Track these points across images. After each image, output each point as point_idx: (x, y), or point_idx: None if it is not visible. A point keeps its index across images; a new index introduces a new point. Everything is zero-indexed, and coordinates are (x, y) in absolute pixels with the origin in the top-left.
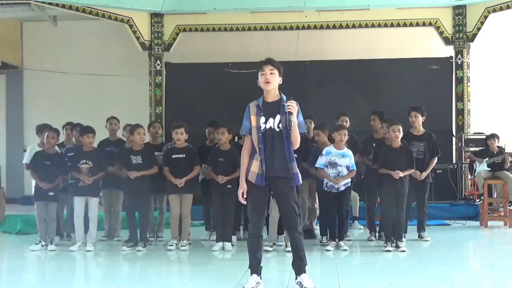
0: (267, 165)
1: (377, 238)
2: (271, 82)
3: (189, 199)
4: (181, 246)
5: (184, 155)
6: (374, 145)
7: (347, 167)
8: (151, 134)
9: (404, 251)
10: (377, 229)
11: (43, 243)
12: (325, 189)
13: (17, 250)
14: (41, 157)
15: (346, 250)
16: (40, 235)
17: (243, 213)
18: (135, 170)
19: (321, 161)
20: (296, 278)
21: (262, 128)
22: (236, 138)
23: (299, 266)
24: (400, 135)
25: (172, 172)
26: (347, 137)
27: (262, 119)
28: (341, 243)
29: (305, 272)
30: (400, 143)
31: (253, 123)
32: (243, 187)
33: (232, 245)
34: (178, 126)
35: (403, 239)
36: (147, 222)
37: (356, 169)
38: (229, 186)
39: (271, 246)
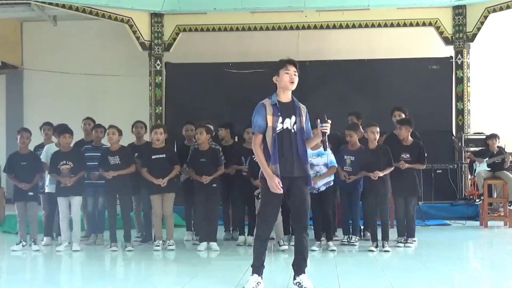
0: (284, 166)
1: (361, 238)
2: (295, 83)
3: (171, 198)
4: (168, 245)
5: (164, 155)
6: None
7: (326, 165)
8: (134, 134)
9: (388, 251)
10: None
11: (24, 243)
12: None
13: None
14: (16, 158)
15: (334, 250)
16: (21, 235)
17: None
18: (112, 170)
19: None
20: (295, 279)
21: (278, 129)
22: (236, 138)
23: (300, 267)
24: (377, 136)
25: (153, 172)
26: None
27: (279, 119)
28: (330, 243)
29: (304, 273)
30: (376, 143)
31: (269, 123)
32: (275, 179)
33: (238, 245)
34: (157, 126)
35: (415, 239)
36: (129, 221)
37: (336, 165)
38: (214, 185)
39: (285, 244)
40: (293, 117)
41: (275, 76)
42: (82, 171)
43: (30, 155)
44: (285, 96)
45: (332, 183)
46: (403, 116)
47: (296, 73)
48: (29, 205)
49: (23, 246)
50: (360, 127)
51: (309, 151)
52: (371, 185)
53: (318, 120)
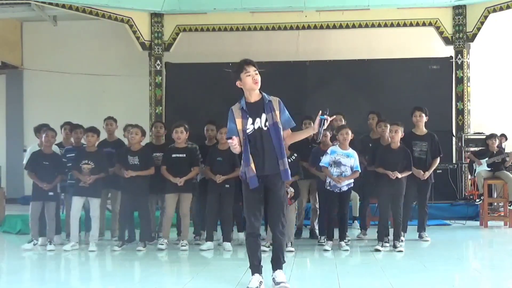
0: (258, 165)
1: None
2: (259, 82)
3: (188, 199)
4: (181, 246)
5: (184, 155)
6: (370, 145)
7: (351, 168)
8: (153, 134)
9: (402, 251)
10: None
11: (35, 241)
12: (328, 188)
13: (17, 250)
14: (39, 157)
15: (347, 250)
16: (33, 234)
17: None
18: (131, 170)
19: (325, 160)
20: (272, 274)
21: (250, 130)
22: None
23: (276, 262)
24: (399, 136)
25: (172, 171)
26: (352, 136)
27: (249, 120)
28: (342, 243)
29: (281, 269)
30: (399, 144)
31: (239, 126)
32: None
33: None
34: (178, 126)
35: (402, 239)
36: (148, 222)
37: (360, 171)
38: (227, 185)
39: (268, 246)
40: (263, 115)
41: (237, 81)
42: (103, 173)
43: (53, 155)
44: (253, 96)
45: (352, 185)
46: (424, 117)
47: (257, 71)
48: (48, 205)
49: (34, 244)
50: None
51: (339, 150)
52: (387, 185)
53: (320, 112)
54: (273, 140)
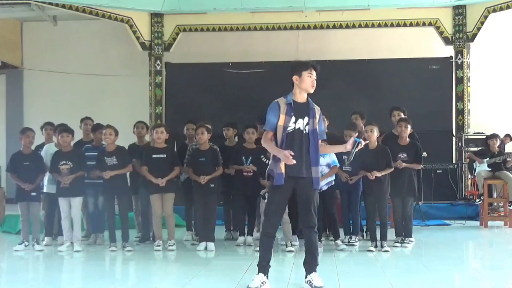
0: (293, 165)
1: (363, 238)
2: (314, 87)
3: (171, 198)
4: (169, 246)
5: (165, 155)
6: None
7: (328, 165)
8: (135, 134)
9: (388, 251)
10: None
11: (26, 243)
12: None
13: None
14: (19, 158)
15: (343, 250)
16: (23, 235)
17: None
18: (109, 170)
19: None
20: (306, 277)
21: (290, 128)
22: (235, 137)
23: (311, 265)
24: (374, 135)
25: (153, 171)
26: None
27: (293, 119)
28: (338, 242)
29: (315, 271)
30: (376, 143)
31: (281, 122)
32: (284, 151)
33: (248, 245)
34: (158, 126)
35: (412, 239)
36: (127, 221)
37: (338, 165)
38: (212, 185)
39: (292, 246)
40: (306, 118)
41: (295, 76)
42: (81, 171)
43: (33, 155)
44: (301, 97)
45: (333, 183)
46: (402, 115)
47: (315, 79)
48: (32, 205)
49: (25, 246)
50: (362, 126)
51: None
52: (370, 185)
53: (355, 134)
54: (311, 146)
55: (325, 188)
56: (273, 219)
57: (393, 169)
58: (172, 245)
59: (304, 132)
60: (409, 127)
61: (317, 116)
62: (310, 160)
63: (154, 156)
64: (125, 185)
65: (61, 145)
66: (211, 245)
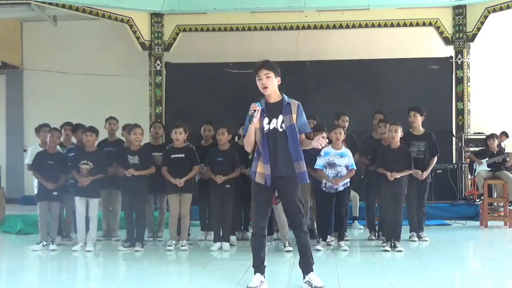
0: (272, 165)
1: (376, 237)
2: (268, 87)
3: (188, 199)
4: (181, 246)
5: (183, 155)
6: (373, 144)
7: (347, 167)
8: (151, 135)
9: (401, 251)
10: (377, 229)
11: (44, 243)
12: (324, 189)
13: (17, 250)
14: (44, 157)
15: (346, 250)
16: (42, 235)
17: (244, 213)
18: (133, 169)
19: (319, 162)
20: (304, 278)
21: (265, 129)
22: (236, 138)
23: (306, 265)
24: (398, 135)
25: (172, 172)
26: (344, 136)
27: (266, 120)
28: (341, 243)
29: (312, 271)
30: (399, 143)
31: (256, 125)
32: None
33: (231, 245)
34: (177, 126)
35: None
36: (144, 222)
37: (355, 168)
38: (227, 186)
39: (290, 246)
40: (281, 116)
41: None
42: (101, 173)
43: (58, 155)
44: (273, 97)
45: (348, 184)
46: (419, 116)
47: (269, 74)
48: (52, 205)
49: (43, 246)
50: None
51: (332, 151)
52: (388, 185)
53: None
54: (289, 142)
55: (341, 189)
56: (259, 218)
57: (412, 171)
58: (184, 245)
59: (280, 130)
60: (400, 131)
61: (294, 111)
62: (290, 157)
63: (173, 156)
64: (144, 186)
65: (46, 144)
66: (226, 245)
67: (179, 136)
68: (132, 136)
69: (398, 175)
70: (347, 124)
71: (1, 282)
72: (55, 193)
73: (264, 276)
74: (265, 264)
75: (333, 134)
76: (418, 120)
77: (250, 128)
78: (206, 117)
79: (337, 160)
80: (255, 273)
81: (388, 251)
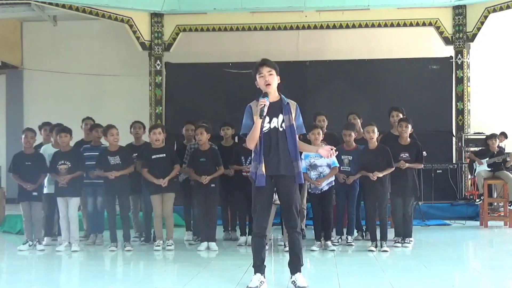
0: (271, 164)
1: (363, 237)
2: (271, 84)
3: (171, 198)
4: (167, 246)
5: (164, 155)
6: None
7: (329, 166)
8: (132, 135)
9: (387, 251)
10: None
11: (30, 243)
12: (309, 190)
13: (17, 250)
14: (21, 158)
15: (334, 250)
16: (27, 235)
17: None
18: (114, 170)
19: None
20: (291, 277)
21: (266, 128)
22: (236, 137)
23: (295, 266)
24: (375, 135)
25: (154, 172)
26: (322, 136)
27: (266, 119)
28: (328, 243)
29: (300, 272)
30: (376, 143)
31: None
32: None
33: (239, 245)
34: (155, 127)
35: (411, 239)
36: (128, 221)
37: (338, 165)
38: (212, 185)
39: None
40: (281, 116)
41: (256, 82)
42: (79, 171)
43: (35, 155)
44: (271, 97)
45: (333, 183)
46: (401, 116)
47: (271, 72)
48: (33, 205)
49: (29, 246)
50: (360, 127)
51: (311, 153)
52: (370, 185)
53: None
54: (289, 142)
55: (326, 188)
56: (260, 219)
57: (393, 169)
58: (171, 245)
59: (280, 129)
60: (410, 127)
61: (293, 111)
62: (289, 156)
63: (153, 157)
64: (127, 185)
65: (59, 145)
66: (213, 245)
67: (159, 136)
68: (109, 137)
69: (380, 175)
70: (325, 124)
71: (1, 282)
72: (34, 193)
73: (264, 276)
74: (265, 264)
75: (311, 135)
76: (407, 131)
77: (257, 124)
78: (206, 117)
79: (318, 161)
80: (255, 273)
81: (373, 251)
